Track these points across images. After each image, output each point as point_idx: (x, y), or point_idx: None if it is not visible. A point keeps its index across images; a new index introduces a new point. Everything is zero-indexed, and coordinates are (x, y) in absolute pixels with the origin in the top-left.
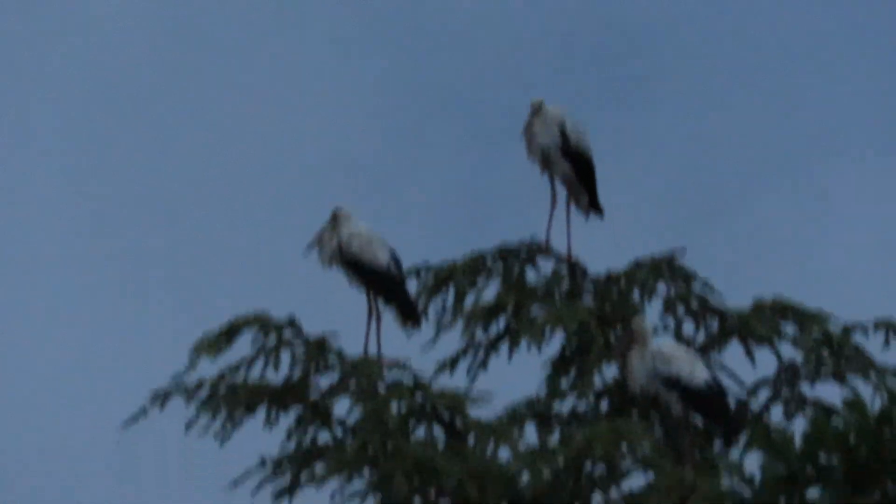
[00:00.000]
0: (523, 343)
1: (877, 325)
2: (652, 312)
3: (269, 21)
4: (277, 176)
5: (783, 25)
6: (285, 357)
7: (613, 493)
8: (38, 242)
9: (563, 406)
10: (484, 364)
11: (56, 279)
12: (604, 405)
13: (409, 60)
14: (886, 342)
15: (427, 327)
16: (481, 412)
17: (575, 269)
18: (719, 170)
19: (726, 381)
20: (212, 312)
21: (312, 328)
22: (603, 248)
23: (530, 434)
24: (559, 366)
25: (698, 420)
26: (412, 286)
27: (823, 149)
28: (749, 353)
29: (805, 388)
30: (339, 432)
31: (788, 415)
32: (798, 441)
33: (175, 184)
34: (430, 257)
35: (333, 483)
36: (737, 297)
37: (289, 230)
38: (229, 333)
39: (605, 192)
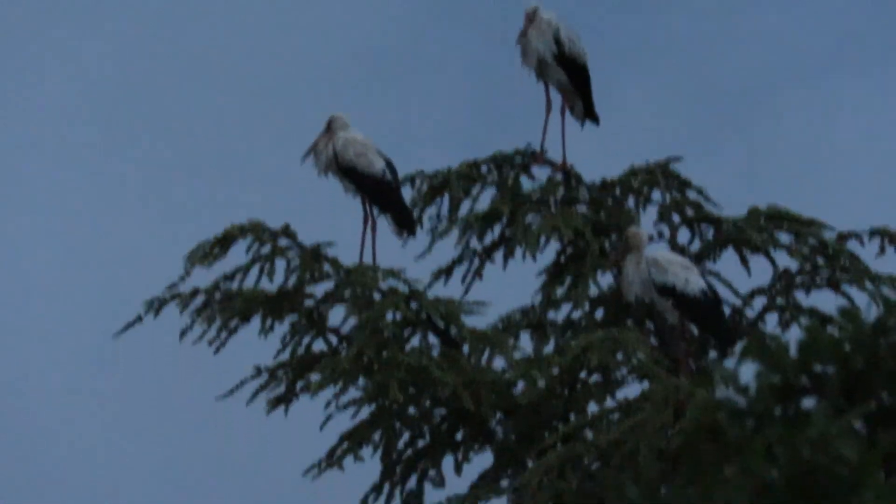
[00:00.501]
0: (518, 251)
1: (872, 233)
2: (647, 220)
3: None
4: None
5: None
6: (280, 266)
7: (608, 403)
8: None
9: (559, 314)
10: (479, 272)
11: (56, 182)
12: (599, 314)
13: None
14: (882, 250)
15: (422, 235)
16: (476, 321)
17: (570, 177)
18: (726, 78)
19: (721, 290)
20: (207, 220)
21: (308, 236)
22: (601, 155)
23: (525, 343)
24: (554, 274)
25: (693, 329)
26: (407, 194)
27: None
28: (744, 262)
29: (800, 297)
30: (334, 341)
31: (784, 323)
32: (793, 350)
33: (176, 84)
34: (429, 161)
35: (328, 392)
36: (739, 205)
37: (283, 137)
38: (224, 242)
39: (608, 97)
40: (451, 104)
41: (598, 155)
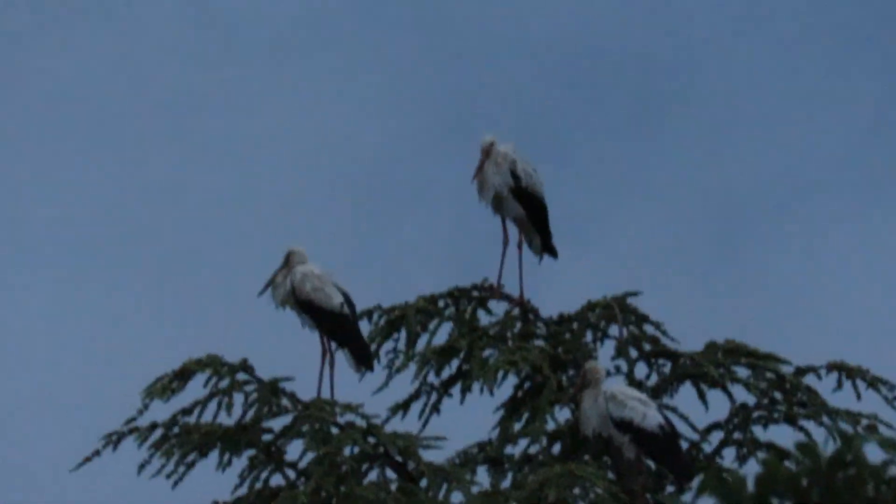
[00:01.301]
0: (476, 386)
1: (829, 368)
2: (604, 354)
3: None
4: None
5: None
6: (238, 400)
7: None
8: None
9: (516, 449)
10: (436, 407)
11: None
12: (556, 448)
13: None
14: (839, 385)
15: (379, 370)
16: (434, 455)
17: (527, 312)
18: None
19: (679, 424)
20: (164, 352)
21: (265, 370)
22: (558, 289)
23: (483, 477)
24: (511, 409)
25: (651, 463)
26: (364, 328)
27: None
28: (701, 396)
29: (758, 431)
30: (291, 475)
31: (741, 458)
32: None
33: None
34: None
35: None
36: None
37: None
38: (181, 375)
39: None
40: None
41: (555, 289)
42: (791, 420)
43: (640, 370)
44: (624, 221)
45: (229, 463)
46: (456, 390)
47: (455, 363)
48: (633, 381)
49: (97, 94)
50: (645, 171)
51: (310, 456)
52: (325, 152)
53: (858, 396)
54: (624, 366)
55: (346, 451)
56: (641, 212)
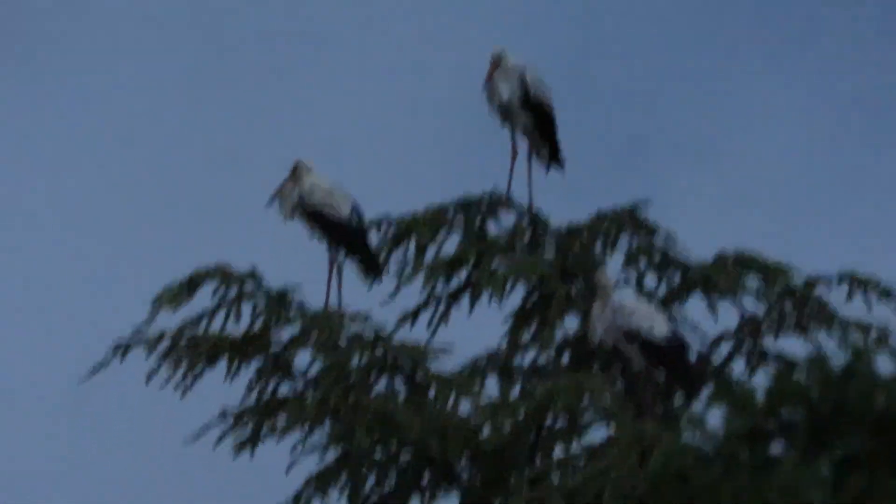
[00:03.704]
0: (485, 296)
1: (840, 278)
2: (614, 265)
3: None
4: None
5: None
6: (246, 309)
7: (574, 446)
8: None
9: (525, 359)
10: (445, 317)
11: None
12: (565, 359)
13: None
14: (849, 295)
15: (388, 280)
16: (442, 365)
17: (536, 222)
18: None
19: (688, 335)
20: (172, 264)
21: (274, 281)
22: (568, 200)
23: (491, 387)
24: (520, 319)
25: (660, 374)
26: (373, 238)
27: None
28: (711, 307)
29: (768, 342)
30: (300, 385)
31: (751, 368)
32: (760, 395)
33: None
34: (394, 207)
35: (294, 435)
36: (708, 248)
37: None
38: (190, 285)
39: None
40: (418, 147)
41: (565, 200)
42: (801, 330)
43: (650, 281)
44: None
45: (238, 372)
46: (465, 301)
47: (464, 273)
48: (642, 292)
49: None
50: None
51: (318, 366)
52: (335, 58)
53: (869, 308)
54: (633, 276)
55: (354, 362)
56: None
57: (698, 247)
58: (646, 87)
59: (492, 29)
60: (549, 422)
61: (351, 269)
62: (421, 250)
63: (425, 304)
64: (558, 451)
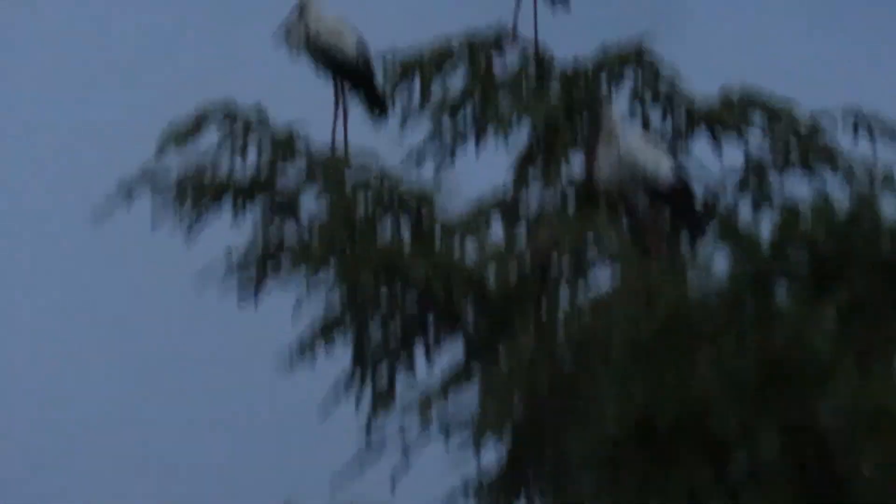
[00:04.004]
0: (490, 134)
1: (844, 114)
2: (619, 100)
3: None
4: None
5: None
6: (252, 148)
7: (580, 290)
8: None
9: (530, 198)
10: (451, 154)
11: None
12: (571, 199)
13: None
14: (855, 131)
15: (394, 118)
16: (448, 206)
17: (541, 59)
18: None
19: (694, 173)
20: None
21: (280, 118)
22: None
23: (497, 229)
24: (525, 158)
25: (665, 215)
26: (378, 74)
27: None
28: (717, 143)
29: (773, 179)
30: (305, 226)
31: (756, 207)
32: (765, 238)
33: None
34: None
35: (299, 284)
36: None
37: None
38: (196, 122)
39: None
40: None
41: (571, 35)
42: (807, 166)
43: (655, 118)
44: None
45: (244, 208)
46: (470, 138)
47: (469, 110)
48: (647, 129)
49: None
50: None
51: (323, 207)
52: None
53: (874, 146)
54: (639, 112)
55: (360, 201)
56: None
57: (714, 80)
58: None
59: None
60: (554, 266)
61: (357, 107)
62: (426, 86)
63: (431, 141)
64: (564, 296)
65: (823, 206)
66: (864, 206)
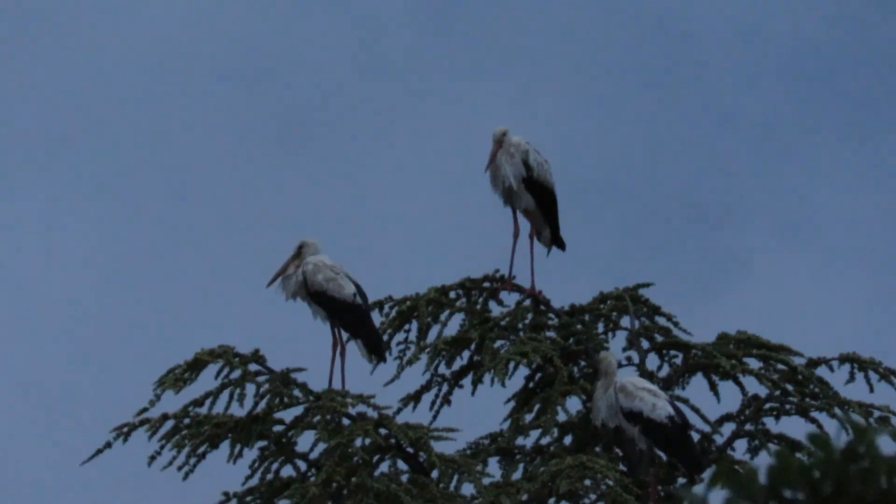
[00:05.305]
0: (487, 378)
1: (842, 360)
2: (616, 346)
3: None
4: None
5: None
6: (250, 391)
7: None
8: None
9: (527, 441)
10: (448, 398)
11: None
12: (567, 439)
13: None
14: (851, 377)
15: (391, 361)
16: (445, 447)
17: (539, 303)
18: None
19: (690, 416)
20: (175, 347)
21: (277, 362)
22: (567, 281)
23: (494, 469)
24: (522, 400)
25: (662, 455)
26: (376, 319)
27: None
28: (713, 388)
29: (770, 423)
30: (303, 466)
31: (753, 449)
32: (762, 476)
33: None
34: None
35: None
36: (708, 329)
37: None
38: (194, 367)
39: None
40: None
41: (566, 281)
42: (803, 412)
43: (652, 361)
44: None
45: (240, 454)
46: (467, 382)
47: (466, 354)
48: (644, 373)
49: None
50: None
51: (321, 447)
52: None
53: (871, 388)
54: (635, 357)
55: (358, 443)
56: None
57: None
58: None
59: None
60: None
61: (354, 351)
62: (423, 331)
63: (428, 386)
64: None
65: (820, 441)
66: (861, 440)
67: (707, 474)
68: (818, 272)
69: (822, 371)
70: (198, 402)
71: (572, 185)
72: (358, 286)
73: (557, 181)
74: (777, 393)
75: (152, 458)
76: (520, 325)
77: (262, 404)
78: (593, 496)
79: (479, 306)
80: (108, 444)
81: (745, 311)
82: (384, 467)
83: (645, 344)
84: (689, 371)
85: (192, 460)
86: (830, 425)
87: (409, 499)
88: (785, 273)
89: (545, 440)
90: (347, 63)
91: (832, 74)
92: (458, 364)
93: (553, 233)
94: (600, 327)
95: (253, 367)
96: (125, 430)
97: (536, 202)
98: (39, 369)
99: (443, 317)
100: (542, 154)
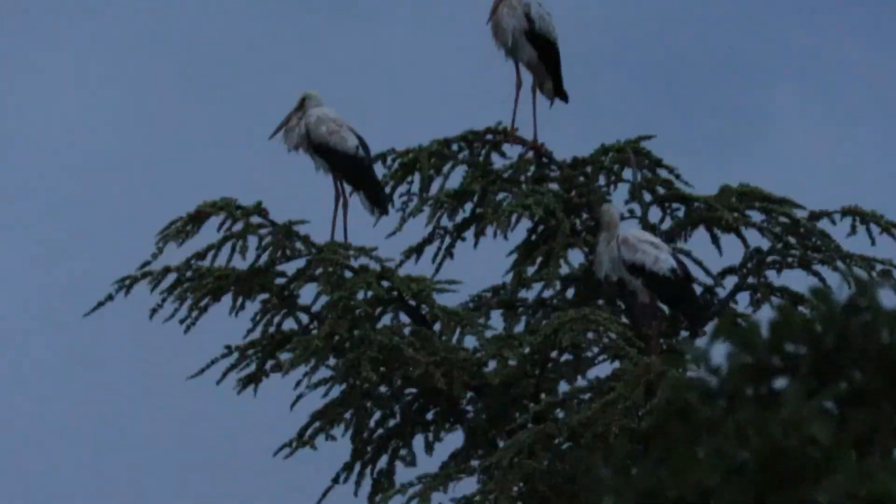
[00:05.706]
0: (489, 230)
1: (844, 213)
2: (618, 198)
3: None
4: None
5: None
6: (252, 243)
7: (580, 382)
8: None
9: (530, 294)
10: (450, 251)
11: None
12: (570, 293)
13: None
14: (853, 230)
15: (394, 214)
16: (447, 299)
17: (541, 155)
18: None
19: (693, 269)
20: (178, 199)
21: (279, 215)
22: (572, 134)
23: (496, 321)
24: (525, 253)
25: (665, 308)
26: (378, 171)
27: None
28: (715, 241)
29: (772, 276)
30: (304, 319)
31: (755, 302)
32: (764, 330)
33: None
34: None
35: (299, 372)
36: (711, 182)
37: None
38: (196, 219)
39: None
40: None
41: (569, 133)
42: (805, 265)
43: (654, 214)
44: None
45: (242, 307)
46: (469, 234)
47: (469, 207)
48: (646, 225)
49: None
50: None
51: (323, 300)
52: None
53: (873, 241)
54: (637, 209)
55: (360, 295)
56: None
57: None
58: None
59: None
60: (554, 357)
61: (357, 204)
62: (426, 183)
63: (430, 239)
64: (563, 387)
65: (821, 295)
66: (863, 294)
67: (709, 328)
68: (840, 130)
69: (824, 224)
70: (200, 255)
71: (582, 41)
72: (361, 139)
73: (561, 35)
74: (779, 246)
75: (154, 310)
76: (522, 178)
77: (265, 257)
78: (596, 349)
79: (481, 158)
80: (110, 297)
81: (760, 167)
82: (386, 320)
83: (647, 196)
84: (692, 224)
85: (195, 313)
86: (833, 279)
87: (411, 351)
88: (803, 132)
89: (548, 293)
90: None
91: None
92: (460, 216)
93: (556, 85)
94: (602, 180)
95: (255, 219)
96: (127, 282)
97: (539, 55)
98: (43, 220)
99: (445, 169)
100: (546, 6)
